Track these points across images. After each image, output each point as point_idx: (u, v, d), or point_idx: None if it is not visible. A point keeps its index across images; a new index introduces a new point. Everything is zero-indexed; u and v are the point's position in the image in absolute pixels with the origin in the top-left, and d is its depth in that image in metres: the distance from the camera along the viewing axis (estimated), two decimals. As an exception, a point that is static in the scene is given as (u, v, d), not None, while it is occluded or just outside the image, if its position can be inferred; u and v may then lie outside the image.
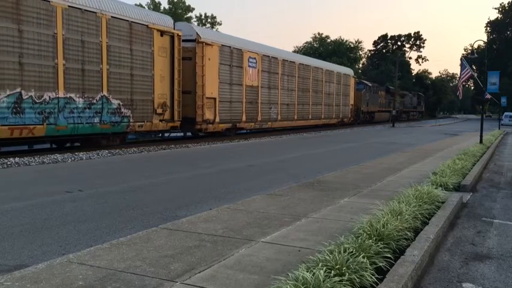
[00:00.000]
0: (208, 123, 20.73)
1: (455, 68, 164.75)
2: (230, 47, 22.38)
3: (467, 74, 19.79)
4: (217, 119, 21.29)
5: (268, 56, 26.18)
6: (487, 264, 4.84)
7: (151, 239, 4.92)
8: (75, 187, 8.54)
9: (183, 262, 4.21)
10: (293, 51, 67.08)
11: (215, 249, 4.62)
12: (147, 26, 16.99)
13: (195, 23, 54.51)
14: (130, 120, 16.55)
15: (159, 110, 17.73)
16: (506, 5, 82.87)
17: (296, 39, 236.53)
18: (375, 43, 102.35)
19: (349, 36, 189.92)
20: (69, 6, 13.91)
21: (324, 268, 3.58)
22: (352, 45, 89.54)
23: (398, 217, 5.25)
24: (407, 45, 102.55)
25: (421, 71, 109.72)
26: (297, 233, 5.28)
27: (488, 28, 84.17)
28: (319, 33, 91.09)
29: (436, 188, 7.42)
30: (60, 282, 3.67)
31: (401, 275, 3.83)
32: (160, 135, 20.51)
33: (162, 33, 17.73)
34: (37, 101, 13.39)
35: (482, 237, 5.92)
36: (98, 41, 15.08)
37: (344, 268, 3.64)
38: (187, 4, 69.15)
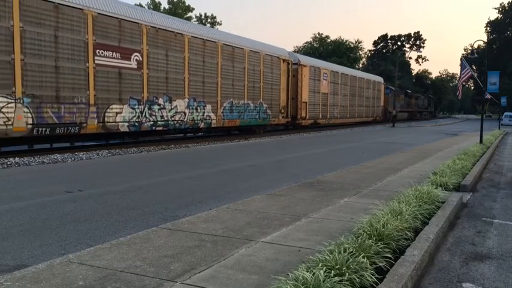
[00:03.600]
0: (302, 119, 30.64)
1: (455, 68, 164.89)
2: (314, 66, 32.44)
3: (467, 74, 19.79)
4: (307, 117, 31.28)
5: (333, 71, 36.27)
6: (487, 264, 4.84)
7: (151, 239, 4.92)
8: (75, 187, 8.54)
9: (183, 262, 4.21)
10: (293, 51, 67.12)
11: (215, 249, 4.62)
12: (278, 57, 27.20)
13: (195, 23, 54.72)
14: (270, 117, 26.42)
15: (282, 110, 27.76)
16: (506, 5, 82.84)
17: (296, 39, 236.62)
18: (375, 43, 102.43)
19: (349, 36, 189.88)
20: (265, 54, 25.41)
21: (324, 268, 3.58)
22: (352, 45, 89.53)
23: (398, 217, 5.25)
24: (407, 45, 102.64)
25: (421, 71, 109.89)
26: (297, 233, 5.28)
27: (488, 28, 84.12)
28: (319, 33, 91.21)
29: (436, 188, 7.42)
30: (60, 282, 3.67)
31: (401, 275, 3.83)
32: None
33: (283, 61, 27.80)
34: (237, 106, 23.12)
35: (482, 237, 5.92)
36: (259, 69, 25.16)
37: (344, 268, 3.63)
38: (187, 4, 69.24)
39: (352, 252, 3.98)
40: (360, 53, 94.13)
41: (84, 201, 7.39)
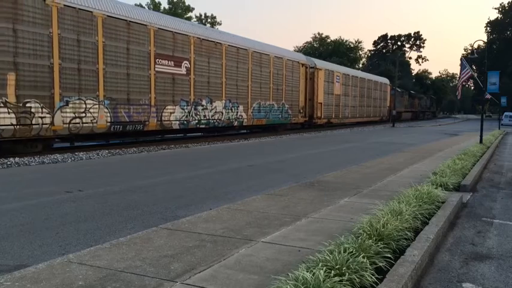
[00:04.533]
0: (318, 119, 33.09)
1: (455, 68, 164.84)
2: (328, 70, 34.83)
3: (467, 74, 19.78)
4: (322, 116, 33.71)
5: (345, 74, 38.72)
6: (487, 264, 4.84)
7: (151, 239, 4.92)
8: (75, 187, 8.54)
9: (183, 262, 4.21)
10: (293, 51, 67.36)
11: (215, 249, 4.62)
12: (297, 61, 30.05)
13: (196, 23, 54.82)
14: (291, 117, 29.07)
15: (301, 110, 30.55)
16: (506, 5, 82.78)
17: (296, 39, 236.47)
18: (375, 43, 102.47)
19: (349, 36, 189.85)
20: (275, 56, 27.22)
21: (324, 268, 3.58)
22: (352, 45, 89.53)
23: (399, 217, 5.25)
24: (407, 45, 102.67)
25: (421, 71, 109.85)
26: (297, 233, 5.28)
27: (488, 28, 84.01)
28: (319, 33, 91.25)
29: (436, 188, 7.42)
30: (60, 282, 3.67)
31: (401, 275, 3.83)
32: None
33: (302, 65, 30.50)
34: (264, 106, 25.76)
35: (482, 237, 5.92)
36: (282, 73, 27.70)
37: (344, 268, 3.64)
38: (187, 4, 69.25)
39: (352, 252, 3.98)
40: (360, 53, 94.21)
41: (84, 201, 7.39)
